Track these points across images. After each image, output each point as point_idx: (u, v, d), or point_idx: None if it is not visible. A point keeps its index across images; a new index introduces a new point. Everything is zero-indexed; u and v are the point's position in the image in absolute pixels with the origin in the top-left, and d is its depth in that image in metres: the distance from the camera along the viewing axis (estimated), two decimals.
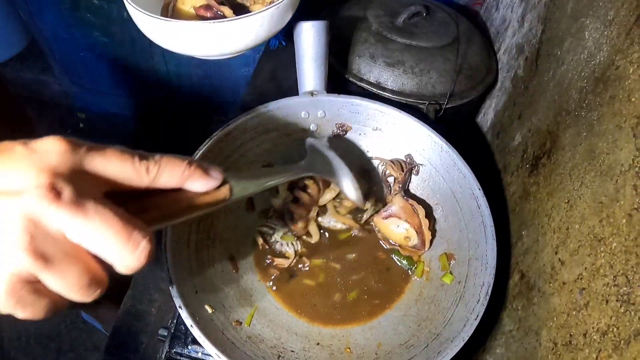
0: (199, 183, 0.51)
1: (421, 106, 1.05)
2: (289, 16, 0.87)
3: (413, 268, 0.95)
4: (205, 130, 1.42)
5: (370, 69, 1.06)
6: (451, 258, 0.92)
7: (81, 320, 1.85)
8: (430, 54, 1.08)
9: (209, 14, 0.83)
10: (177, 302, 0.75)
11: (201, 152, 0.88)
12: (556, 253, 0.75)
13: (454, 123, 1.13)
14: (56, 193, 0.39)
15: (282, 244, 0.95)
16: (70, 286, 0.41)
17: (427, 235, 0.93)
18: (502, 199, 1.01)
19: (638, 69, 0.62)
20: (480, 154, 1.18)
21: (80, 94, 2.20)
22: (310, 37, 0.92)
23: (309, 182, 0.93)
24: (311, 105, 0.97)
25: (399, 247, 0.96)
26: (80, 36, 1.84)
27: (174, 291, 0.75)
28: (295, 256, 0.94)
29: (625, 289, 0.57)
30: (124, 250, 0.41)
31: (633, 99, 0.62)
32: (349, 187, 0.80)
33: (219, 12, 0.83)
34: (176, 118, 2.17)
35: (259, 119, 0.94)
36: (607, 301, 0.60)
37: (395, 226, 0.94)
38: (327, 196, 0.96)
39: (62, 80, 2.17)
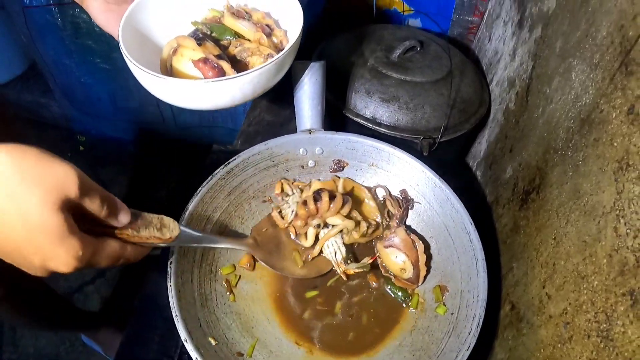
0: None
1: (415, 141, 1.10)
2: (287, 68, 0.89)
3: (407, 300, 0.99)
4: (205, 158, 1.48)
5: (367, 105, 1.12)
6: (444, 290, 0.96)
7: (80, 343, 1.88)
8: (424, 89, 1.13)
9: (207, 68, 0.84)
10: (183, 335, 0.79)
11: (204, 189, 0.93)
12: (544, 287, 0.79)
13: (447, 155, 1.18)
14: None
15: (289, 206, 1.03)
16: None
17: (423, 271, 0.97)
18: (494, 229, 1.06)
19: (620, 115, 0.66)
20: (474, 184, 1.23)
21: (80, 118, 2.24)
22: (307, 78, 0.97)
23: (325, 196, 0.96)
24: (309, 142, 1.02)
25: (393, 277, 1.00)
26: (81, 62, 1.89)
27: (179, 324, 0.80)
28: (291, 220, 1.02)
29: (605, 325, 0.61)
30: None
31: (615, 144, 0.65)
32: None
33: (216, 66, 0.84)
34: (176, 143, 2.22)
35: (260, 156, 1.00)
36: (588, 336, 0.65)
37: (394, 256, 0.98)
38: (336, 220, 0.98)
39: (63, 104, 2.22)
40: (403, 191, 1.04)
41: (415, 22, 1.54)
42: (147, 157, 2.38)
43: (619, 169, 0.64)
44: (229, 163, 0.96)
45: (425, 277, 0.99)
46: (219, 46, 0.90)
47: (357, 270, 0.99)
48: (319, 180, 1.07)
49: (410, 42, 1.18)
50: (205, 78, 0.85)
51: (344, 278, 1.00)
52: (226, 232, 0.99)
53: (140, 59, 0.82)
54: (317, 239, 1.01)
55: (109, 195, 0.63)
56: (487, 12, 1.41)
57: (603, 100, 0.71)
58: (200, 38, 0.88)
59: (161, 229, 0.73)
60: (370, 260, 1.00)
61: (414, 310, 0.98)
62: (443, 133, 1.10)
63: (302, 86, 0.98)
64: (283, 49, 0.93)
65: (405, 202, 1.04)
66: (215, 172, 0.95)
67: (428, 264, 1.00)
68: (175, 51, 0.89)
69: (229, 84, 0.80)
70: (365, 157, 1.04)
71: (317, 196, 0.97)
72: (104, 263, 0.64)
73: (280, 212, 1.04)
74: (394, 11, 1.52)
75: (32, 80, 2.42)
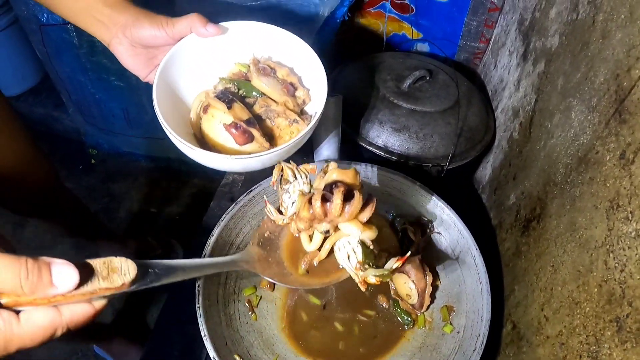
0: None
1: (425, 168, 1.19)
2: (310, 135, 0.95)
3: (410, 325, 1.08)
4: (219, 177, 1.56)
5: (379, 134, 1.21)
6: (451, 310, 1.06)
7: (92, 354, 1.94)
8: (432, 118, 1.23)
9: (238, 134, 0.91)
10: (212, 353, 0.89)
11: (228, 215, 1.03)
12: (542, 310, 0.89)
13: (454, 179, 1.28)
14: None
15: (289, 196, 0.89)
16: None
17: (427, 301, 1.05)
18: (497, 251, 1.15)
19: (613, 159, 0.73)
20: (479, 206, 1.32)
21: (93, 132, 2.30)
22: (325, 112, 1.06)
23: (338, 196, 0.78)
24: None
25: (399, 299, 1.09)
26: (96, 79, 1.96)
27: (207, 343, 0.90)
28: (291, 216, 0.87)
29: (594, 347, 0.71)
30: None
31: (608, 184, 0.74)
32: None
33: (246, 132, 0.91)
34: (188, 160, 2.28)
35: None
36: (580, 356, 0.74)
37: (403, 282, 1.07)
38: (351, 228, 0.82)
39: (75, 118, 2.27)
40: (419, 218, 1.14)
41: (424, 47, 1.63)
42: (159, 173, 2.45)
43: (610, 208, 0.72)
44: (250, 191, 1.06)
45: (428, 306, 1.07)
46: (245, 104, 0.97)
47: (378, 279, 0.80)
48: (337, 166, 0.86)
49: (420, 72, 1.28)
50: (236, 142, 0.93)
51: (362, 289, 0.83)
52: None
53: (171, 112, 0.91)
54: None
55: (27, 265, 0.51)
56: (492, 39, 1.51)
57: (599, 143, 0.78)
58: (229, 100, 0.93)
59: (109, 277, 0.57)
60: (398, 264, 0.81)
61: (423, 329, 1.07)
62: (450, 161, 1.20)
63: (319, 120, 1.07)
64: (305, 106, 1.02)
65: (429, 231, 1.12)
66: (238, 199, 1.05)
67: (433, 295, 1.08)
68: (205, 109, 0.95)
69: (259, 158, 0.87)
70: (378, 185, 1.14)
71: (327, 194, 0.79)
72: (31, 345, 0.54)
73: (279, 206, 0.92)
74: (403, 36, 1.62)
75: (45, 93, 2.49)
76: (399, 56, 1.41)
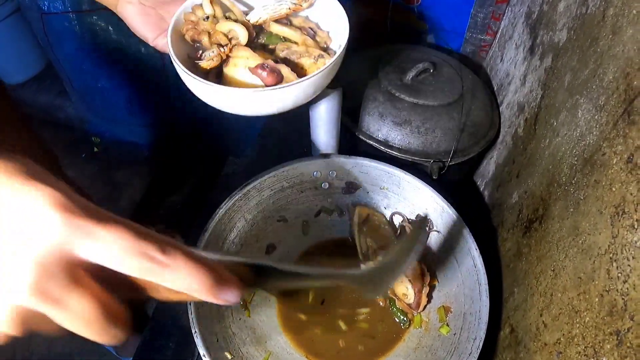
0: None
1: (426, 164, 1.16)
2: (339, 65, 0.90)
3: (406, 324, 1.06)
4: (220, 167, 1.54)
5: (379, 128, 1.17)
6: (448, 311, 1.03)
7: (92, 342, 1.94)
8: (435, 112, 1.19)
9: (266, 73, 0.83)
10: (201, 350, 0.86)
11: (222, 210, 1.00)
12: (541, 315, 0.85)
13: (456, 176, 1.24)
14: None
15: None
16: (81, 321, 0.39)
17: (424, 301, 1.03)
18: (498, 251, 1.12)
19: (620, 162, 0.70)
20: (481, 204, 1.29)
21: (96, 120, 2.29)
22: (324, 105, 1.02)
23: None
24: (323, 166, 1.09)
25: (396, 298, 1.06)
26: (98, 68, 1.94)
27: (198, 340, 0.87)
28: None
29: None
30: None
31: (614, 189, 0.70)
32: None
33: (276, 71, 0.83)
34: (191, 151, 2.27)
35: (276, 178, 1.06)
36: None
37: (400, 280, 1.04)
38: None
39: (78, 106, 2.27)
40: (419, 216, 1.10)
41: (430, 38, 1.59)
42: (162, 162, 2.43)
43: (615, 214, 0.68)
44: (246, 185, 1.03)
45: (425, 306, 1.05)
46: (267, 51, 0.92)
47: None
48: None
49: (424, 64, 1.23)
50: (265, 84, 0.85)
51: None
52: (242, 250, 1.06)
53: (186, 61, 0.84)
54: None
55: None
56: (499, 31, 1.46)
57: (606, 144, 0.75)
58: (254, 45, 0.88)
59: None
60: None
61: (418, 329, 1.04)
62: (452, 157, 1.16)
63: (318, 112, 1.04)
64: (328, 48, 0.97)
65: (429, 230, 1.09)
66: (233, 193, 1.02)
67: (430, 295, 1.06)
68: (226, 62, 0.88)
69: (290, 90, 0.81)
70: (376, 181, 1.11)
71: None
72: None
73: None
74: (407, 26, 1.58)
75: (48, 81, 2.48)
76: (403, 48, 1.36)
